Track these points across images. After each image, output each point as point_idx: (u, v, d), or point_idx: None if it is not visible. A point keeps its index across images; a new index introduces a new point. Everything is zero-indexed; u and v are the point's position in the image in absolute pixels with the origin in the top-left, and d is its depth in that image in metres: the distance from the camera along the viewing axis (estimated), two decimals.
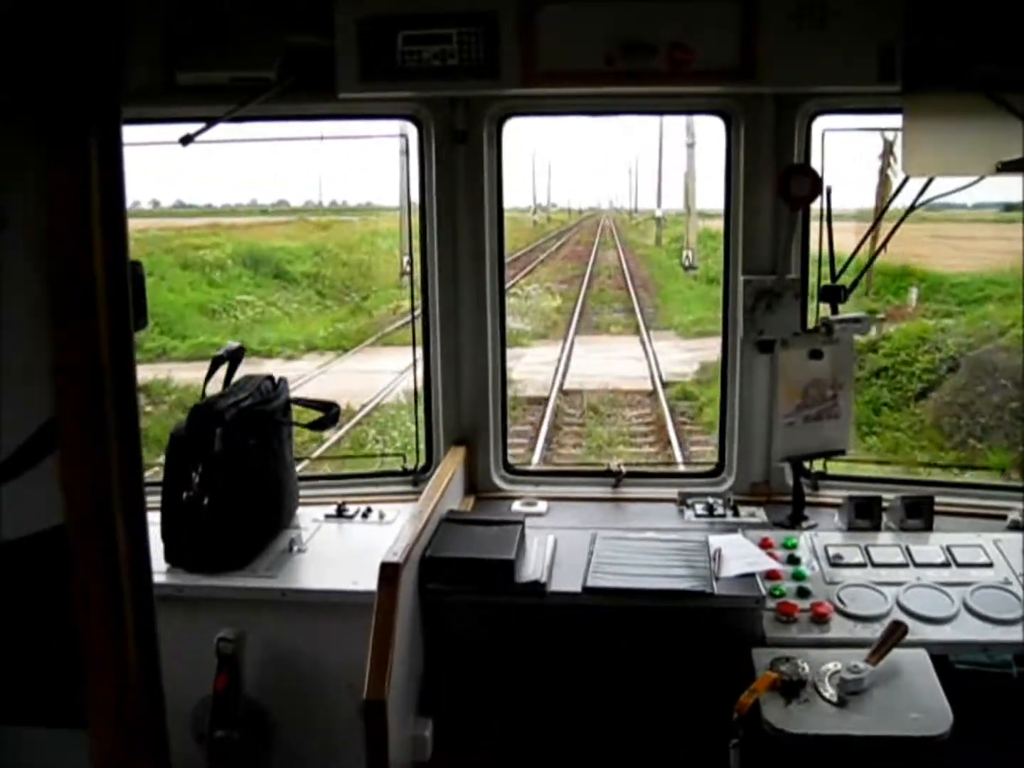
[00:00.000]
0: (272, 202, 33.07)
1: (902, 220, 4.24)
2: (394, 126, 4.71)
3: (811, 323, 4.40)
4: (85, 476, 1.86)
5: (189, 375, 14.17)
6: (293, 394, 4.42)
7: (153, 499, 3.82)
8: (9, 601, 1.97)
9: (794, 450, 4.36)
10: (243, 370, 4.33)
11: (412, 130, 4.46)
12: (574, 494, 4.72)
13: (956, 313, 17.56)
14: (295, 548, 4.14)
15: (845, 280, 4.33)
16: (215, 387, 4.22)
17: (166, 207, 30.01)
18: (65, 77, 1.80)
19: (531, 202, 49.79)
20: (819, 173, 4.22)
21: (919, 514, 4.22)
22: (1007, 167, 3.86)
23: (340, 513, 4.48)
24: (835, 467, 4.70)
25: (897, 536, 4.17)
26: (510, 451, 4.90)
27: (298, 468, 4.65)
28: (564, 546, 4.03)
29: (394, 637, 3.25)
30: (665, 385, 16.67)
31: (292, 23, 3.98)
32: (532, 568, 3.84)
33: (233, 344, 4.32)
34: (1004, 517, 4.31)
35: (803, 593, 3.80)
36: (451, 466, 4.44)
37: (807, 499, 4.43)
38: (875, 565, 3.96)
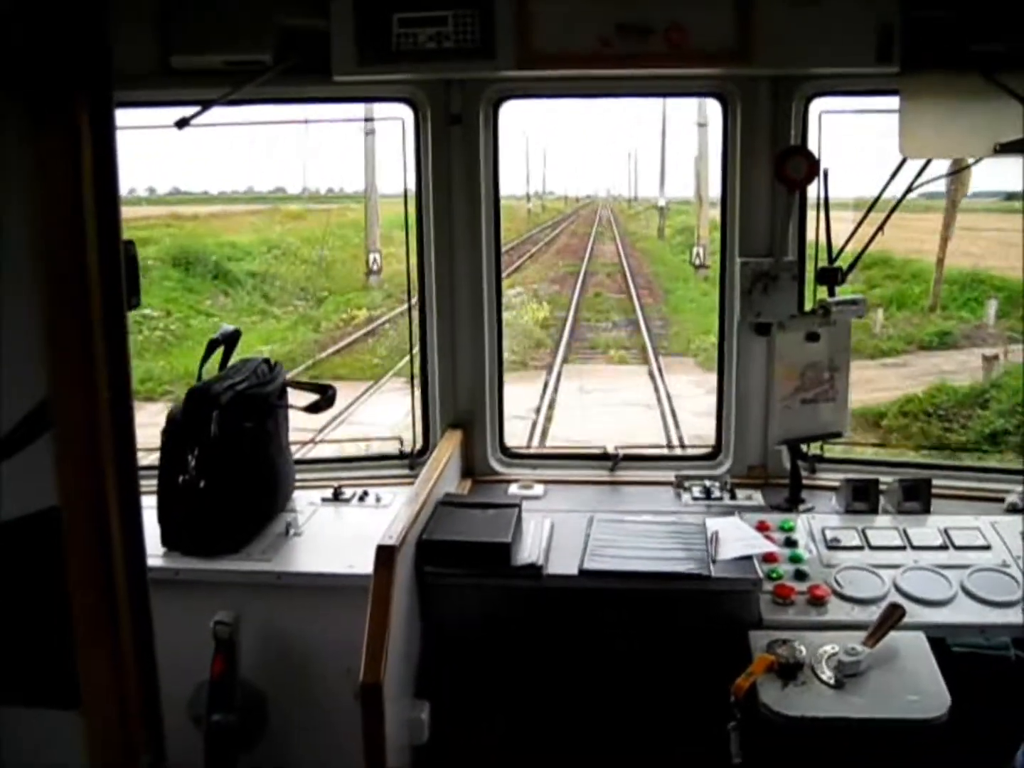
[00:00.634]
0: (242, 189, 31.07)
1: (898, 203, 4.23)
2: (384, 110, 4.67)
3: (808, 305, 4.40)
4: (79, 457, 1.86)
5: None
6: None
7: (149, 482, 3.83)
8: (3, 582, 1.96)
9: (791, 433, 4.36)
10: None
11: (408, 113, 4.44)
12: (571, 477, 4.72)
13: None
14: (291, 531, 4.13)
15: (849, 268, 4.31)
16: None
17: (135, 195, 26.49)
18: (57, 57, 1.78)
19: (525, 190, 47.20)
20: (816, 155, 4.20)
21: (917, 497, 4.22)
22: (1005, 148, 3.85)
23: (336, 496, 4.48)
24: (832, 450, 4.70)
25: (895, 519, 4.17)
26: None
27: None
28: (561, 529, 4.03)
29: (390, 620, 3.25)
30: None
31: (287, 6, 3.97)
32: (529, 551, 3.83)
33: (229, 327, 4.31)
34: (1002, 500, 4.31)
35: (800, 576, 3.80)
36: (448, 449, 4.43)
37: (804, 482, 4.42)
38: (872, 548, 3.96)
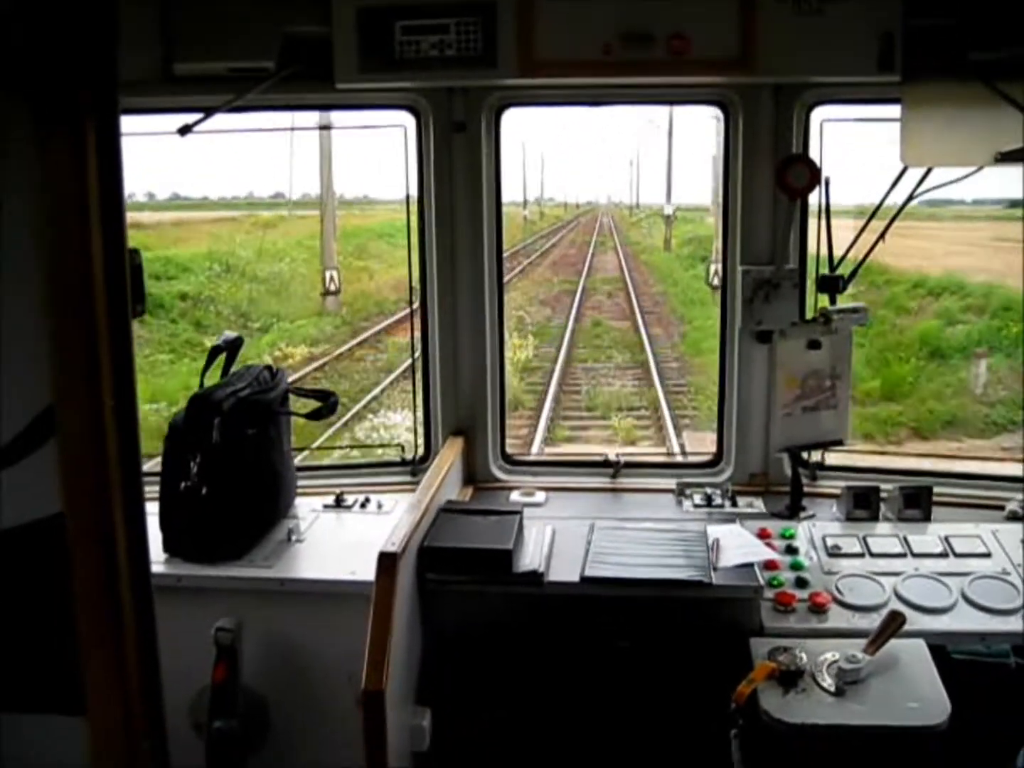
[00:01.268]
0: (243, 195, 28.97)
1: (901, 209, 4.23)
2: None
3: (809, 313, 4.40)
4: (83, 463, 1.86)
5: None
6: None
7: (151, 489, 3.83)
8: (8, 589, 1.97)
9: (792, 440, 4.36)
10: None
11: (410, 121, 4.45)
12: (572, 484, 4.72)
13: None
14: (293, 538, 4.13)
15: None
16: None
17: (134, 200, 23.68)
18: (62, 64, 1.79)
19: (522, 196, 45.71)
20: (818, 163, 4.21)
21: (917, 504, 4.23)
22: (1006, 157, 3.86)
23: (338, 503, 4.47)
24: (833, 457, 4.70)
25: (895, 526, 4.18)
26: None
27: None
28: (562, 536, 4.04)
29: (392, 627, 3.25)
30: None
31: (290, 13, 3.98)
32: (530, 558, 3.84)
33: (231, 334, 4.32)
34: (1002, 507, 4.32)
35: (801, 583, 3.80)
36: (449, 456, 4.44)
37: (805, 489, 4.43)
38: (873, 555, 3.97)
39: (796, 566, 3.90)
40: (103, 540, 1.89)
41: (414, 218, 4.60)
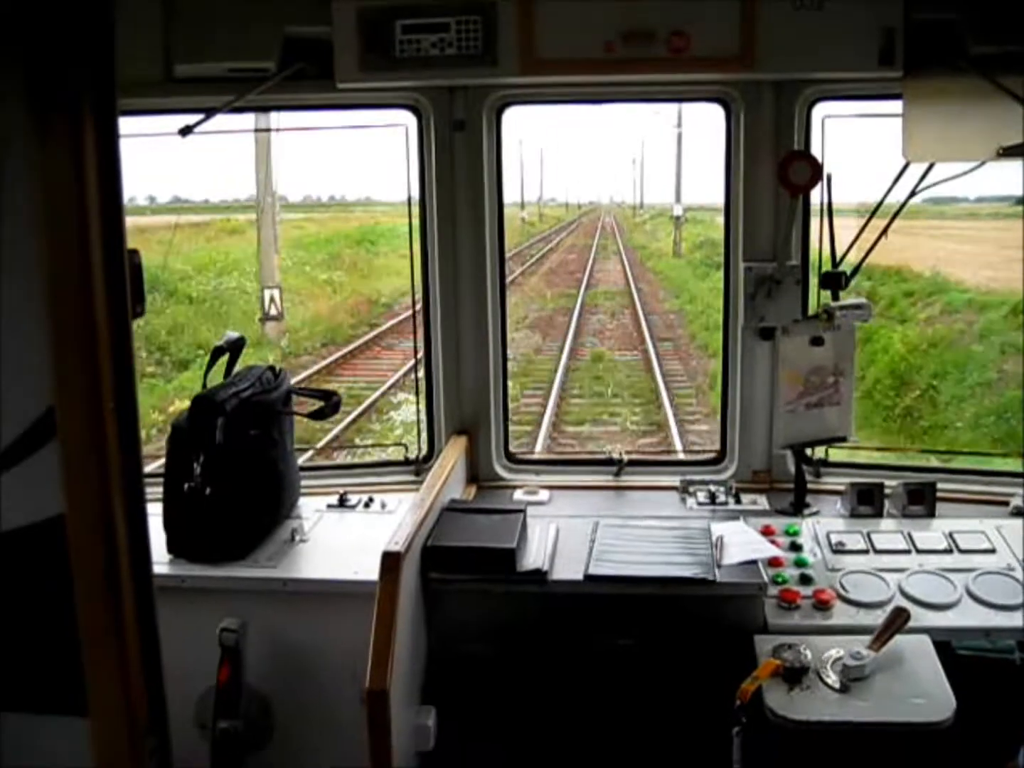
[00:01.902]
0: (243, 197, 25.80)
1: (903, 205, 4.22)
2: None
3: (812, 309, 4.40)
4: (84, 465, 1.86)
5: None
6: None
7: (155, 490, 3.84)
8: (9, 590, 1.97)
9: (796, 437, 4.35)
10: None
11: (411, 120, 4.45)
12: (576, 482, 4.72)
13: None
14: (297, 538, 4.13)
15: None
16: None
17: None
18: (61, 62, 1.79)
19: (520, 197, 44.66)
20: (819, 160, 4.21)
21: (921, 500, 4.23)
22: (1008, 152, 3.85)
23: (342, 503, 4.48)
24: (837, 454, 4.70)
25: (899, 522, 4.18)
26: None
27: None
28: (566, 534, 4.04)
29: (396, 627, 3.25)
30: None
31: (291, 13, 3.99)
32: (534, 556, 3.84)
33: (233, 335, 4.32)
34: (1007, 503, 4.31)
35: (805, 580, 3.80)
36: (453, 455, 4.43)
37: (809, 486, 4.42)
38: (877, 551, 3.97)
39: (800, 563, 3.89)
40: (105, 541, 1.89)
41: (414, 219, 4.60)
